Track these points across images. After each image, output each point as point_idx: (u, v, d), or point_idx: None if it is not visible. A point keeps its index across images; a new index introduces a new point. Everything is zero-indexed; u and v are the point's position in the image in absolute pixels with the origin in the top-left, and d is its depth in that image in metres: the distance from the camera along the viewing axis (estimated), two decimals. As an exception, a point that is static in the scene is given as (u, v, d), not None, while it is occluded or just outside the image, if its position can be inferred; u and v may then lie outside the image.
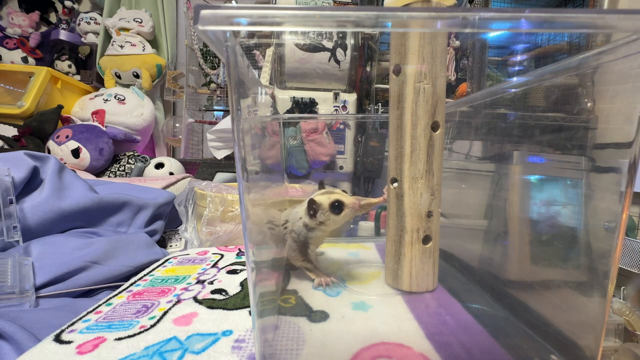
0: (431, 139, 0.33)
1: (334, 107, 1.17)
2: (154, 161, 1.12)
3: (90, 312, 0.34)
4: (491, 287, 0.38)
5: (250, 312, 0.33)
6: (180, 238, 0.63)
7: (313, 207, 0.37)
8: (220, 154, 1.11)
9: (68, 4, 1.66)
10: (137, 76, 1.50)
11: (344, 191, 0.38)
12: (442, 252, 0.52)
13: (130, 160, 1.16)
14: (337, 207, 0.36)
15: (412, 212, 0.34)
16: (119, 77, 1.51)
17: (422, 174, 0.34)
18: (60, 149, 1.08)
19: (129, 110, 1.37)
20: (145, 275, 0.44)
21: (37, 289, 0.39)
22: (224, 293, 0.37)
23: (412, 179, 0.34)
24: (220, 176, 1.07)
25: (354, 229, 0.63)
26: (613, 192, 0.24)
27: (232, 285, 0.40)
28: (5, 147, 1.06)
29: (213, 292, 0.38)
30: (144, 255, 0.49)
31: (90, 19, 1.60)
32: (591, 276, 0.26)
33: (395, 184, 0.35)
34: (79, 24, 1.61)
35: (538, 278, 0.33)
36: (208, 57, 1.44)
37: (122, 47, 1.50)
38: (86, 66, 1.64)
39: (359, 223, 0.64)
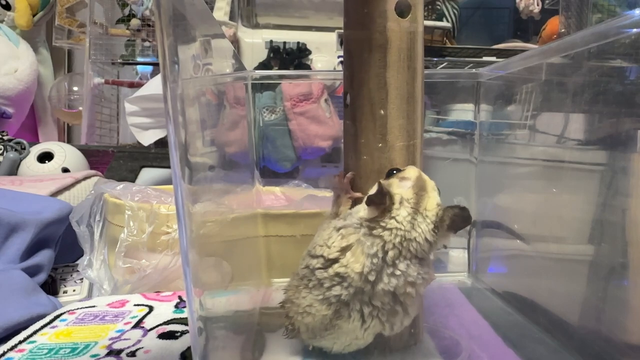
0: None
1: (339, 57, 1.17)
2: (35, 149, 1.11)
3: None
4: (600, 357, 0.38)
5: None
6: (82, 279, 0.63)
7: (384, 192, 0.36)
8: (147, 138, 1.10)
9: None
10: (6, 6, 1.49)
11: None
12: (519, 299, 0.52)
13: (-4, 149, 1.15)
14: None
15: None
16: (-24, 8, 1.50)
17: None
18: None
19: (-7, 64, 1.36)
20: (21, 342, 0.43)
21: None
22: (154, 371, 0.37)
23: None
24: (147, 174, 1.07)
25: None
26: None
27: (167, 358, 0.39)
28: None
29: (136, 369, 0.38)
30: (19, 307, 0.48)
31: None
32: None
33: None
34: None
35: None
36: (127, -25, 1.43)
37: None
38: None
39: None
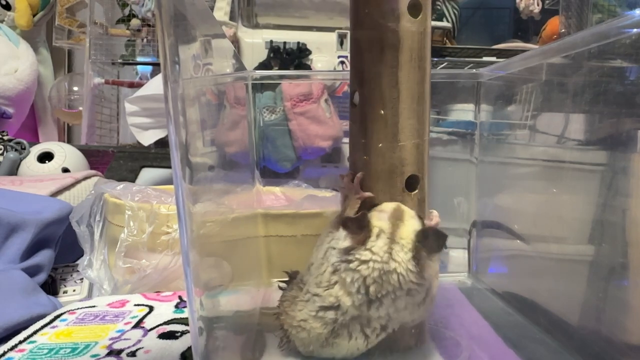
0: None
1: (339, 57, 1.17)
2: (35, 149, 1.11)
3: None
4: (600, 357, 0.38)
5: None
6: (82, 279, 0.63)
7: (362, 221, 0.35)
8: (147, 138, 1.10)
9: None
10: (6, 6, 1.49)
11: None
12: (519, 299, 0.52)
13: (-4, 149, 1.15)
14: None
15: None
16: (-24, 8, 1.50)
17: None
18: None
19: (-7, 64, 1.36)
20: (22, 342, 0.43)
21: None
22: (154, 372, 0.38)
23: None
24: (147, 174, 1.07)
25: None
26: None
27: (167, 358, 0.40)
28: None
29: (136, 369, 0.38)
30: (19, 307, 0.48)
31: None
32: None
33: None
34: None
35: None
36: (127, -25, 1.43)
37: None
38: None
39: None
